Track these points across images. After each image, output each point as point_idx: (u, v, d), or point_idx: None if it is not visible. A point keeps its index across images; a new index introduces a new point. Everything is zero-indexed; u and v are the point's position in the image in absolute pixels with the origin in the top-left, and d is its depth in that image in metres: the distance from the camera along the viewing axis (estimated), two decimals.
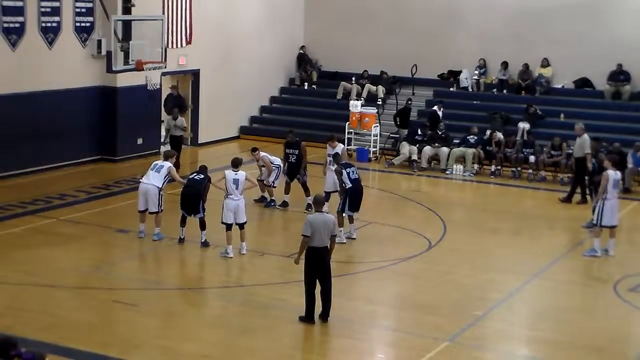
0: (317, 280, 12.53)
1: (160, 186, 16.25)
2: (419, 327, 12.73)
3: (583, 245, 17.24)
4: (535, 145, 23.47)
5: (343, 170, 16.68)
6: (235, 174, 15.73)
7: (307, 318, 12.54)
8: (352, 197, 16.69)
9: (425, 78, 28.20)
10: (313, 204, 13.27)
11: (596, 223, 16.45)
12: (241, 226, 15.70)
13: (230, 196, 15.55)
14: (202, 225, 16.04)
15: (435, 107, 25.79)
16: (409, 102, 26.35)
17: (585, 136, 20.69)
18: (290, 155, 19.02)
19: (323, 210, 13.03)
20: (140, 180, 16.68)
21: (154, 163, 16.72)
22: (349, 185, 16.62)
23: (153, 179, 16.27)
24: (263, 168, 19.04)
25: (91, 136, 23.06)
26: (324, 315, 12.60)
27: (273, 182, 19.04)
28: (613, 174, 16.38)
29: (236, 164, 15.99)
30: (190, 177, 16.43)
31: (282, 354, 11.79)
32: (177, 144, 22.58)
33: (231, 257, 15.46)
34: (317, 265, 12.47)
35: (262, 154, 19.05)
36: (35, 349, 9.04)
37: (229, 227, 15.53)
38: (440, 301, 13.83)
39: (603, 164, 18.86)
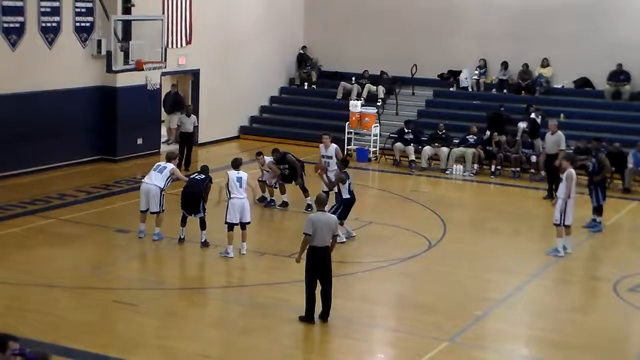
0: (318, 280, 12.53)
1: (162, 187, 16.26)
2: (419, 327, 12.73)
3: (583, 246, 17.25)
4: (535, 145, 23.49)
5: (347, 180, 16.61)
6: (238, 172, 15.78)
7: (307, 318, 12.53)
8: (345, 209, 16.57)
9: (425, 78, 28.20)
10: (315, 204, 13.24)
11: (560, 223, 16.32)
12: (243, 226, 15.70)
13: (235, 195, 15.56)
14: (203, 225, 16.04)
15: (533, 115, 24.63)
16: (502, 108, 25.60)
17: (560, 133, 20.74)
18: (283, 170, 19.09)
19: (325, 210, 13.02)
20: (142, 180, 16.69)
21: (156, 164, 16.72)
22: (346, 196, 16.56)
23: (155, 179, 16.28)
24: (266, 172, 19.07)
25: (91, 136, 23.06)
26: (324, 315, 12.60)
27: (275, 183, 19.08)
28: (574, 173, 16.35)
29: (237, 164, 16.02)
30: (192, 176, 16.46)
31: (282, 354, 11.79)
32: (189, 140, 22.65)
33: (231, 257, 15.46)
34: (318, 265, 12.47)
35: (267, 159, 19.04)
36: (38, 350, 9.04)
37: (231, 227, 15.53)
38: (440, 301, 13.83)
39: (602, 163, 18.89)
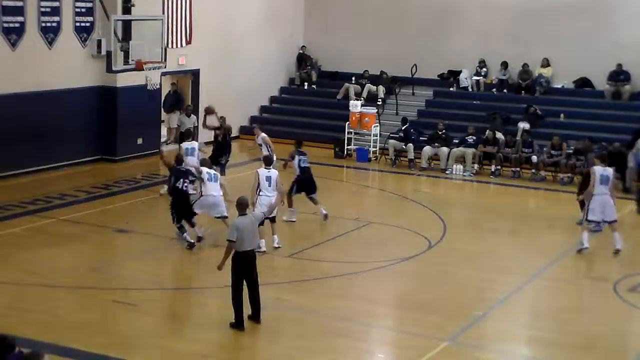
0: (245, 285, 12.21)
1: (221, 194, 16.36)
2: (419, 327, 12.73)
3: (582, 245, 17.24)
4: (534, 145, 23.48)
5: (297, 157, 17.45)
6: (268, 171, 15.86)
7: (237, 324, 12.17)
8: (298, 185, 17.38)
9: (425, 78, 28.20)
10: (237, 207, 12.51)
11: (584, 217, 16.69)
12: (273, 219, 15.79)
13: (264, 193, 15.62)
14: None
15: None
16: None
17: None
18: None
19: (247, 213, 12.61)
20: (203, 194, 16.31)
21: (209, 173, 16.35)
22: (297, 173, 17.31)
23: (215, 190, 16.28)
24: None
25: (91, 136, 23.06)
26: (256, 317, 12.35)
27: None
28: (601, 170, 16.52)
29: (269, 162, 16.13)
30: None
31: (282, 354, 11.79)
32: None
33: (264, 251, 15.40)
34: (246, 269, 12.18)
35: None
36: (26, 349, 8.99)
37: (261, 222, 15.53)
38: (440, 301, 13.83)
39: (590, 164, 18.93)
